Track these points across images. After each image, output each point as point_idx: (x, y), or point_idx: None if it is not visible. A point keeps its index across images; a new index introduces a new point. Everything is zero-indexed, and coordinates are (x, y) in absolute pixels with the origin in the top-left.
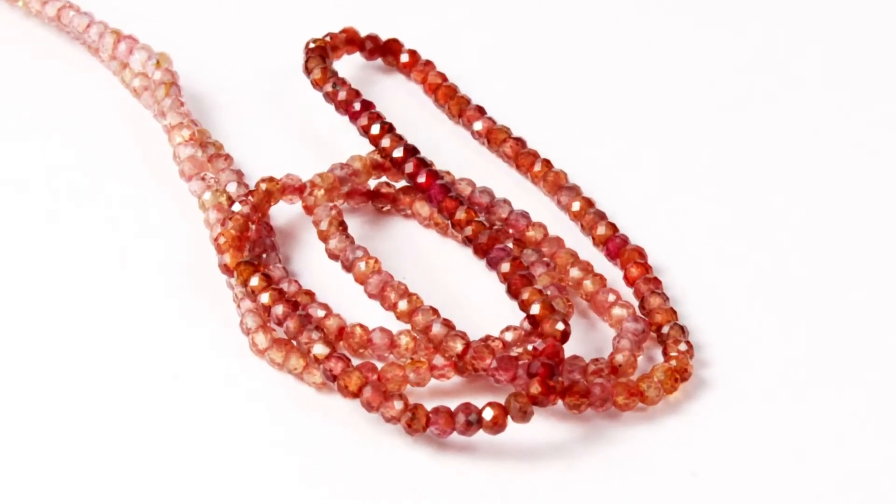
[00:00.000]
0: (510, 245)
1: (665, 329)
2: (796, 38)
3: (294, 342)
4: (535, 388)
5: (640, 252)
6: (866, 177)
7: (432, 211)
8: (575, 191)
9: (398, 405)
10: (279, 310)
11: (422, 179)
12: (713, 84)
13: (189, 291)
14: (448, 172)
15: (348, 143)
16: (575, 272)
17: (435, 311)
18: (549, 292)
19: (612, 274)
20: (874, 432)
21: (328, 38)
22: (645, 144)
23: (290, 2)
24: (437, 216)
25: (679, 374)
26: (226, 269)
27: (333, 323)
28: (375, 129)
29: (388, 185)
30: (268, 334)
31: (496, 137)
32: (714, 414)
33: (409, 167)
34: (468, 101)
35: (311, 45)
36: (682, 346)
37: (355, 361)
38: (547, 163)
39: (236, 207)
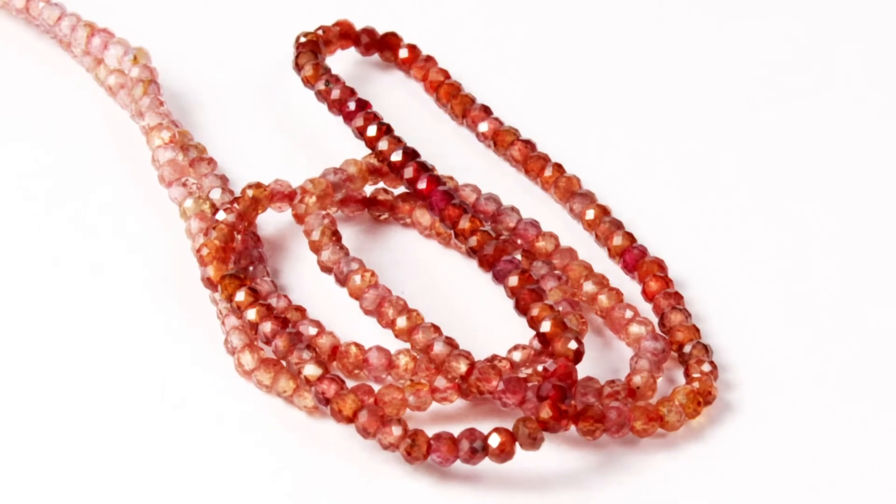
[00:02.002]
0: (518, 257)
1: (687, 348)
2: (824, 36)
3: (283, 362)
4: (546, 413)
5: (660, 264)
6: None
7: (434, 220)
8: (589, 198)
9: (397, 431)
10: (267, 327)
11: (422, 185)
12: (738, 82)
13: (169, 307)
14: (451, 178)
15: (342, 146)
16: (589, 286)
17: (437, 329)
18: (560, 308)
19: (630, 288)
20: None
21: (320, 32)
22: (664, 147)
23: None
24: (439, 225)
25: (702, 398)
26: (209, 283)
27: (326, 341)
28: (372, 131)
29: (385, 191)
30: (255, 354)
31: (503, 140)
32: (740, 440)
33: (409, 172)
34: (472, 101)
35: (302, 40)
36: (706, 367)
37: (350, 383)
38: (558, 167)
39: (220, 216)
